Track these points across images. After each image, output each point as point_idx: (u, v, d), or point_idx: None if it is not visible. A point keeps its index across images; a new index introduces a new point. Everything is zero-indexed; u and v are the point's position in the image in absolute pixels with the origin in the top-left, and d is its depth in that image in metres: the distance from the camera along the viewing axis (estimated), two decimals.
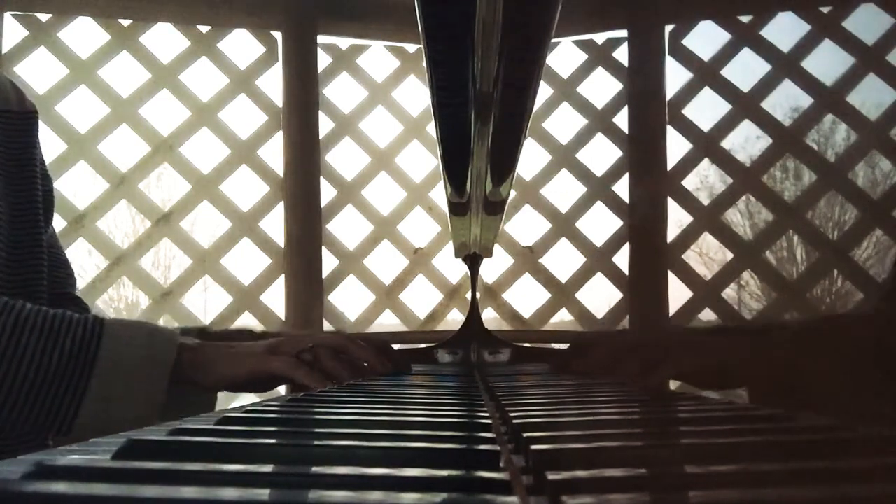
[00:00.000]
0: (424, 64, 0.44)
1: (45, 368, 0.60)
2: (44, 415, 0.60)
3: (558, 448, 0.26)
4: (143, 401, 0.63)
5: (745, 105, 1.66)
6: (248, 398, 0.84)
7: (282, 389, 1.03)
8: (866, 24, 1.66)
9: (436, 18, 0.39)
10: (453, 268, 1.73)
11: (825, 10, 1.62)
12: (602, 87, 1.75)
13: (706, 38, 1.73)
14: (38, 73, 1.60)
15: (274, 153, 1.69)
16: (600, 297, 1.73)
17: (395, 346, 1.27)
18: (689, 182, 1.69)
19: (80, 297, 0.89)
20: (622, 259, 1.69)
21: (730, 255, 1.67)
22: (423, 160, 1.76)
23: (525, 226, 1.74)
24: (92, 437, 0.61)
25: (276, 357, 0.70)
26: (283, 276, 1.66)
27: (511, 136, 0.58)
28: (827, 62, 1.70)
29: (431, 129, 0.97)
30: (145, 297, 1.63)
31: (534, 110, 0.53)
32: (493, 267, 1.71)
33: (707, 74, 1.68)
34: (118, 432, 0.60)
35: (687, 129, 1.68)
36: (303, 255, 1.66)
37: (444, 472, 0.23)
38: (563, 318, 1.76)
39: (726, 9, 1.68)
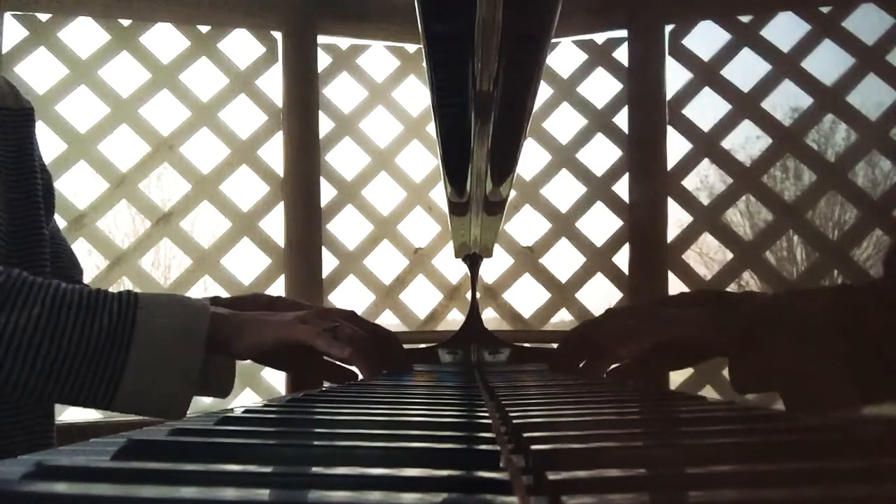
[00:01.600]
0: (424, 64, 0.44)
1: (85, 343, 0.61)
2: (86, 388, 0.61)
3: (558, 448, 0.26)
4: (183, 370, 0.64)
5: (745, 105, 1.66)
6: (248, 398, 0.85)
7: (282, 389, 1.03)
8: (866, 24, 1.66)
9: (436, 18, 0.39)
10: (453, 268, 1.73)
11: (825, 10, 1.62)
12: (602, 87, 1.75)
13: (706, 38, 1.73)
14: (38, 73, 1.60)
15: (274, 153, 1.69)
16: (600, 297, 1.73)
17: None
18: (689, 182, 1.69)
19: (88, 285, 0.90)
20: (622, 259, 1.69)
21: (730, 255, 1.67)
22: (423, 160, 1.76)
23: (525, 226, 1.74)
24: (133, 411, 0.62)
25: (303, 326, 0.71)
26: (283, 276, 1.66)
27: (511, 136, 0.58)
28: (827, 62, 1.70)
29: (431, 129, 0.98)
30: None
31: (534, 110, 0.53)
32: (493, 267, 1.71)
33: (707, 74, 1.68)
34: (158, 405, 0.62)
35: (687, 129, 1.68)
36: (303, 255, 1.66)
37: (444, 472, 0.23)
38: (563, 318, 1.76)
39: (726, 9, 1.68)
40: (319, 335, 0.71)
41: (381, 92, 1.75)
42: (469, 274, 1.14)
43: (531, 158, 1.74)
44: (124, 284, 1.68)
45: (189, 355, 0.64)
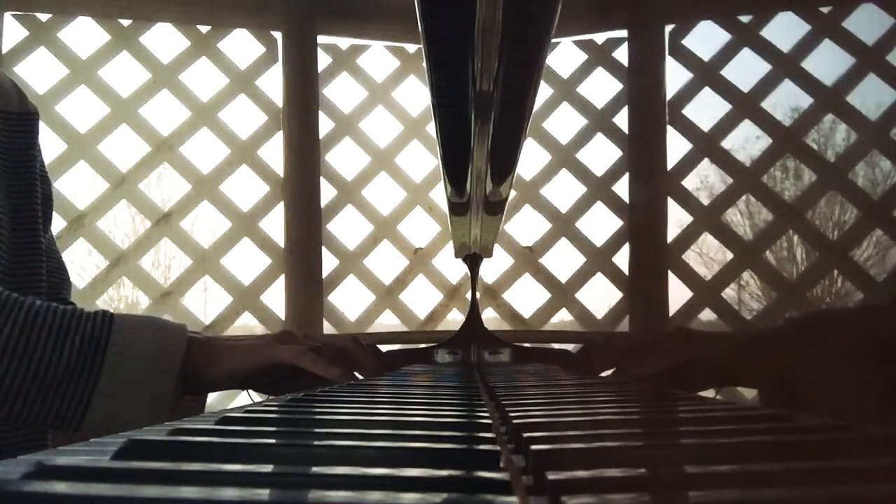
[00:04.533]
0: (424, 64, 0.44)
1: (55, 365, 0.60)
2: (54, 411, 0.60)
3: (558, 448, 0.26)
4: (153, 396, 0.63)
5: (745, 105, 1.66)
6: (248, 398, 0.84)
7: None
8: (866, 24, 1.66)
9: (436, 18, 0.39)
10: (453, 268, 1.73)
11: (825, 10, 1.62)
12: (602, 87, 1.76)
13: (706, 38, 1.73)
14: (38, 73, 1.60)
15: (274, 153, 1.69)
16: (600, 297, 1.73)
17: (395, 347, 1.28)
18: (689, 182, 1.69)
19: (74, 302, 0.89)
20: (622, 259, 1.69)
21: (730, 255, 1.67)
22: (423, 160, 1.77)
23: (525, 226, 1.74)
24: (101, 434, 0.61)
25: (284, 347, 0.70)
26: (283, 276, 1.66)
27: (511, 136, 0.58)
28: (827, 62, 1.70)
29: (431, 129, 0.98)
30: (145, 297, 1.63)
31: (534, 110, 0.53)
32: (493, 267, 1.71)
33: (707, 74, 1.68)
34: (127, 428, 0.60)
35: (687, 129, 1.68)
36: (303, 255, 1.66)
37: (444, 472, 0.22)
38: (563, 318, 1.76)
39: (726, 9, 1.68)
40: (303, 353, 0.69)
41: (381, 92, 1.75)
42: (469, 274, 1.14)
43: (531, 158, 1.74)
44: (124, 284, 1.68)
45: (161, 380, 0.63)
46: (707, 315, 1.66)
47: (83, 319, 0.62)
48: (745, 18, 1.67)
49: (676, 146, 1.68)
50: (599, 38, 1.75)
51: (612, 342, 0.84)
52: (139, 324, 0.65)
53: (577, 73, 1.75)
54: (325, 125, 1.71)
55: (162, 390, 0.63)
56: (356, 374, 0.77)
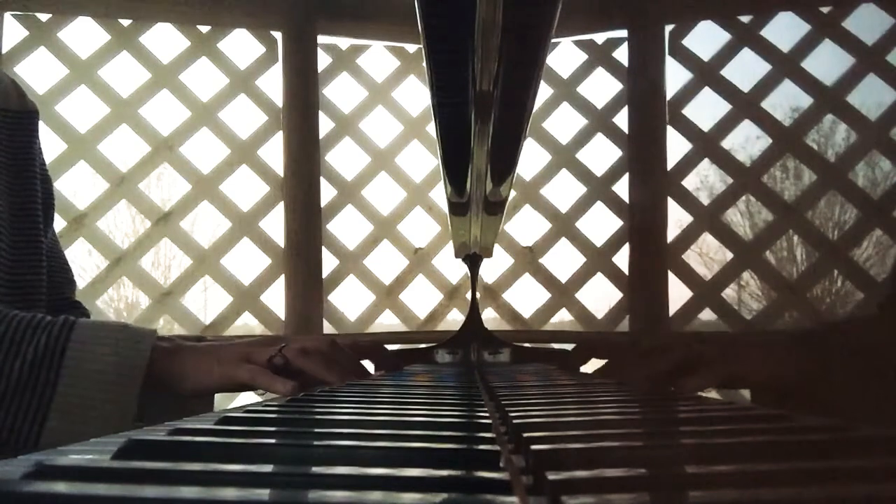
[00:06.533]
0: (424, 64, 0.44)
1: (6, 378, 0.56)
2: (8, 426, 0.56)
3: (558, 448, 0.26)
4: (115, 410, 0.59)
5: (745, 105, 1.66)
6: (247, 398, 0.84)
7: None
8: (866, 24, 1.66)
9: (436, 18, 0.39)
10: (453, 268, 1.73)
11: (825, 10, 1.62)
12: (602, 87, 1.76)
13: (706, 38, 1.73)
14: (38, 73, 1.60)
15: (274, 153, 1.69)
16: (600, 297, 1.73)
17: (395, 347, 1.28)
18: (689, 182, 1.69)
19: (79, 301, 0.89)
20: (622, 259, 1.69)
21: (730, 255, 1.67)
22: (423, 160, 1.77)
23: (525, 226, 1.74)
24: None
25: (245, 365, 0.66)
26: (283, 276, 1.66)
27: (511, 136, 0.58)
28: (827, 62, 1.70)
29: (431, 129, 0.98)
30: (145, 297, 1.63)
31: (534, 110, 0.53)
32: (493, 267, 1.71)
33: (707, 74, 1.68)
34: None
35: (687, 129, 1.68)
36: (303, 255, 1.66)
37: (444, 472, 0.23)
38: (563, 318, 1.76)
39: (726, 9, 1.68)
40: (262, 374, 0.65)
41: (381, 92, 1.75)
42: (469, 274, 1.14)
43: (531, 158, 1.74)
44: (124, 284, 1.68)
45: (123, 393, 0.59)
46: (707, 315, 1.66)
47: (39, 329, 0.58)
48: (745, 18, 1.67)
49: (676, 146, 1.68)
50: (599, 38, 1.75)
51: (611, 343, 0.84)
52: (100, 333, 0.61)
53: (577, 73, 1.75)
54: (325, 125, 1.71)
55: (124, 404, 0.59)
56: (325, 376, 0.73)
